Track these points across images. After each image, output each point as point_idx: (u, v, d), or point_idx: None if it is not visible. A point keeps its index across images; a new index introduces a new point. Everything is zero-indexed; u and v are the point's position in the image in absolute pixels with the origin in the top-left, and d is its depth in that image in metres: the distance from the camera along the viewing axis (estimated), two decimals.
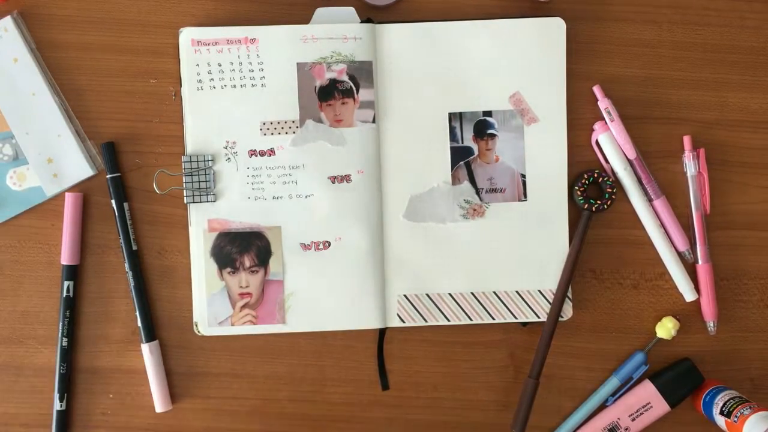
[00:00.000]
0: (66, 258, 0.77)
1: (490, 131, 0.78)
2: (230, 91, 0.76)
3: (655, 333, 0.79)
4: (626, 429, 0.78)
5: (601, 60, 0.79)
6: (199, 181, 0.76)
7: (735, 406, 0.73)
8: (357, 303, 0.77)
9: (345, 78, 0.77)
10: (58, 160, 0.77)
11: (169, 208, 0.78)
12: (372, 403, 0.80)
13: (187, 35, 0.76)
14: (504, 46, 0.77)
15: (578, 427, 0.80)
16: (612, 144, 0.78)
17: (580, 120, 0.79)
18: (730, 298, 0.80)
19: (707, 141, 0.80)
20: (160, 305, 0.79)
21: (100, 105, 0.78)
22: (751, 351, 0.80)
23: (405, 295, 0.78)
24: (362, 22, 0.77)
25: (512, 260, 0.78)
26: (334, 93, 0.77)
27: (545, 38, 0.77)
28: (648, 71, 0.79)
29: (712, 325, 0.79)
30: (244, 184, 0.77)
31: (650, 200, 0.79)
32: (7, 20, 0.76)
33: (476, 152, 0.78)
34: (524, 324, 0.79)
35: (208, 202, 0.77)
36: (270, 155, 0.77)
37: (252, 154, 0.77)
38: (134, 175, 0.78)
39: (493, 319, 0.78)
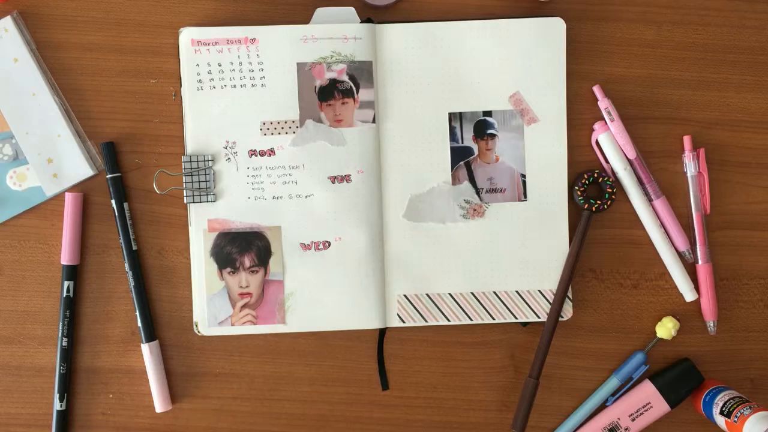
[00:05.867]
0: (66, 258, 0.77)
1: (490, 131, 0.78)
2: (230, 91, 0.76)
3: (655, 333, 0.79)
4: (626, 429, 0.78)
5: (601, 60, 0.79)
6: (199, 181, 0.76)
7: (735, 406, 0.73)
8: (357, 303, 0.77)
9: (345, 78, 0.77)
10: (58, 160, 0.77)
11: (169, 208, 0.78)
12: (372, 403, 0.80)
13: (187, 35, 0.76)
14: (504, 46, 0.77)
15: (578, 427, 0.80)
16: (612, 144, 0.78)
17: (580, 120, 0.79)
18: (730, 298, 0.80)
19: (707, 141, 0.80)
20: (160, 305, 0.79)
21: (100, 105, 0.78)
22: (751, 351, 0.80)
23: (405, 295, 0.78)
24: (362, 22, 0.77)
25: (512, 260, 0.78)
26: (334, 93, 0.77)
27: (545, 38, 0.77)
28: (648, 71, 0.79)
29: (712, 325, 0.79)
30: (244, 184, 0.77)
31: (650, 200, 0.79)
32: (7, 20, 0.76)
33: (476, 152, 0.78)
34: (524, 324, 0.79)
35: (208, 202, 0.77)
36: (270, 155, 0.77)
37: (252, 154, 0.77)
38: (134, 175, 0.78)
39: (493, 319, 0.78)
